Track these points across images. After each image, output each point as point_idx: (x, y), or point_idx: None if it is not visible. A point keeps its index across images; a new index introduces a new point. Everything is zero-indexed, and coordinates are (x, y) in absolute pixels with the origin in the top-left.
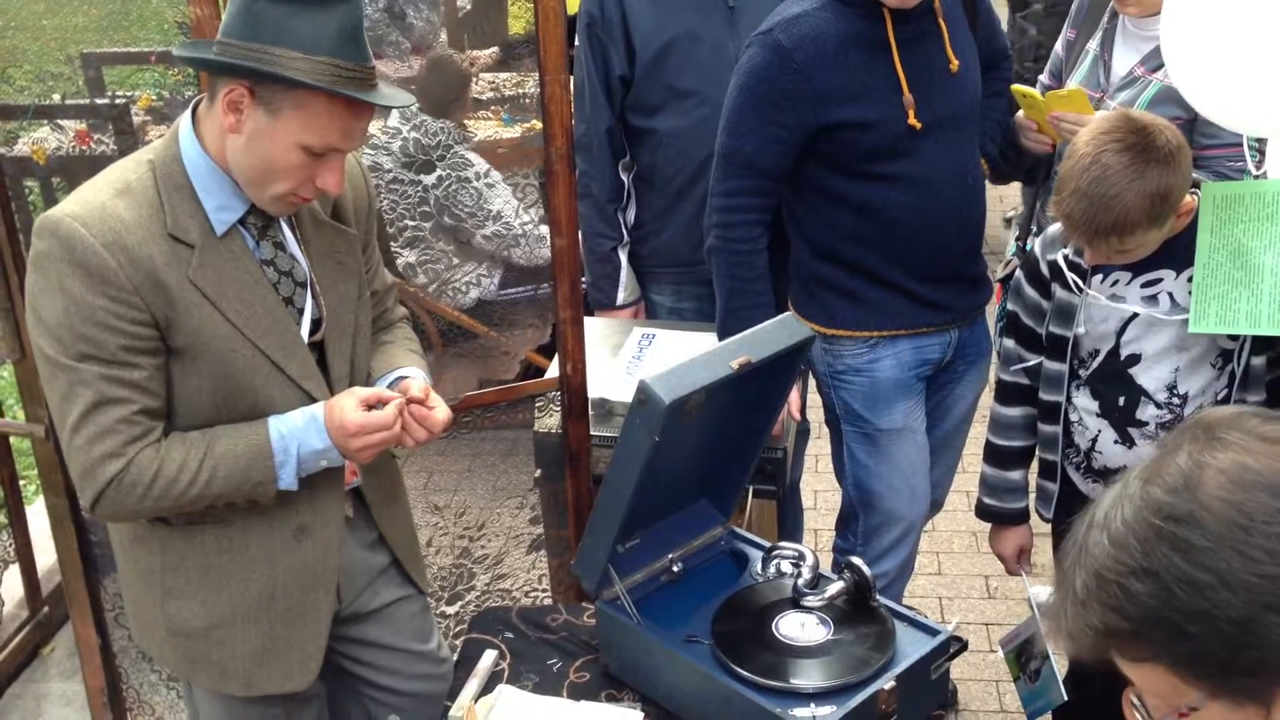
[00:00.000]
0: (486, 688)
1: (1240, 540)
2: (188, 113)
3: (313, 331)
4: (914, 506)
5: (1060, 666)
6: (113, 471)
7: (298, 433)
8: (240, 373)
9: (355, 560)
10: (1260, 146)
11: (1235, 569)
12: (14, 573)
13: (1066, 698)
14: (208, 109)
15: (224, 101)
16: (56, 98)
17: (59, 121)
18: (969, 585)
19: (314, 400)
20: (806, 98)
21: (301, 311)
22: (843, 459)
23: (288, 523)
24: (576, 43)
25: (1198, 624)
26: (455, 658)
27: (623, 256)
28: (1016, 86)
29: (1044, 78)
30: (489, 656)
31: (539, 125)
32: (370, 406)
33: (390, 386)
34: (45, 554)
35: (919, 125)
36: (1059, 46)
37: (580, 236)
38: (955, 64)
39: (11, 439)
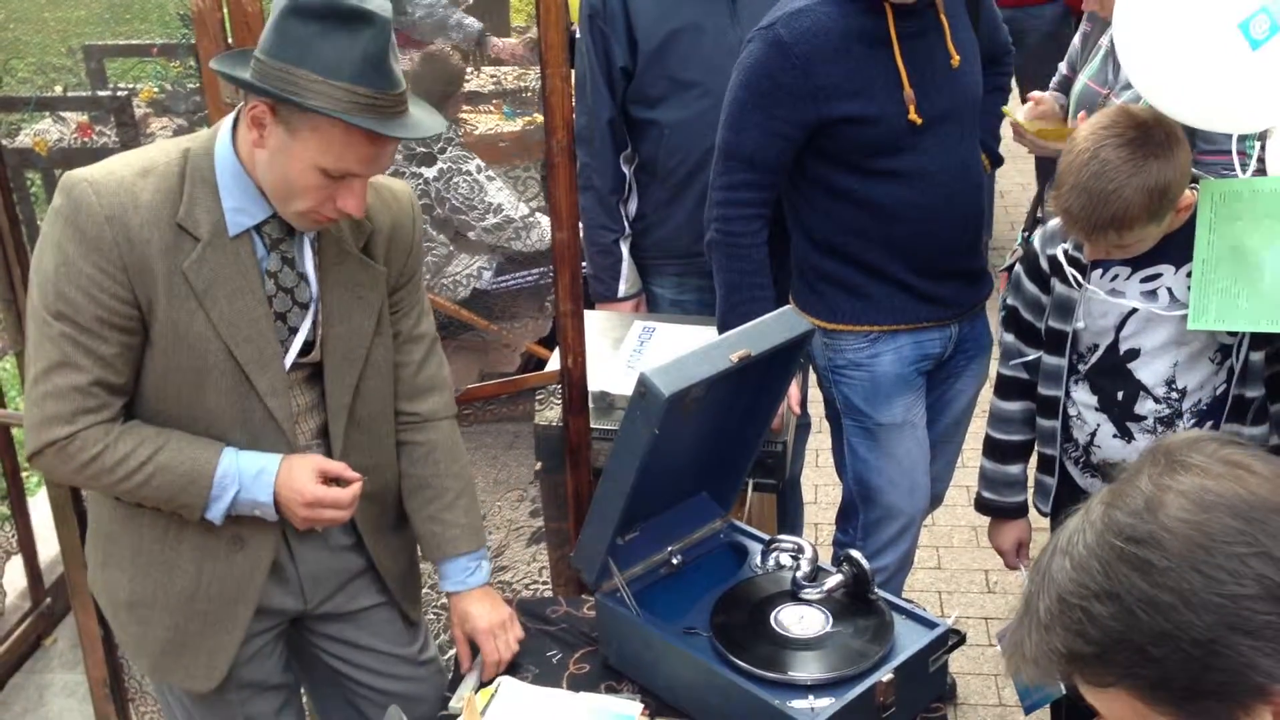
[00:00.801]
0: (487, 679)
1: (1201, 560)
2: (233, 113)
3: (304, 352)
4: (914, 501)
5: None
6: (57, 435)
7: (244, 477)
8: (208, 372)
9: (323, 562)
10: (1264, 146)
11: (1197, 589)
12: (16, 564)
13: (1064, 691)
14: (244, 116)
15: (248, 116)
16: (58, 90)
17: (61, 114)
18: (969, 579)
19: (274, 418)
20: (807, 93)
21: (294, 331)
22: (843, 453)
23: (225, 529)
24: (577, 35)
25: (1161, 646)
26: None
27: (624, 249)
28: (1007, 110)
29: (1063, 67)
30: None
31: (540, 118)
32: (327, 478)
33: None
34: (48, 545)
35: (920, 121)
36: (1076, 39)
37: (581, 228)
38: (956, 59)
39: (14, 430)
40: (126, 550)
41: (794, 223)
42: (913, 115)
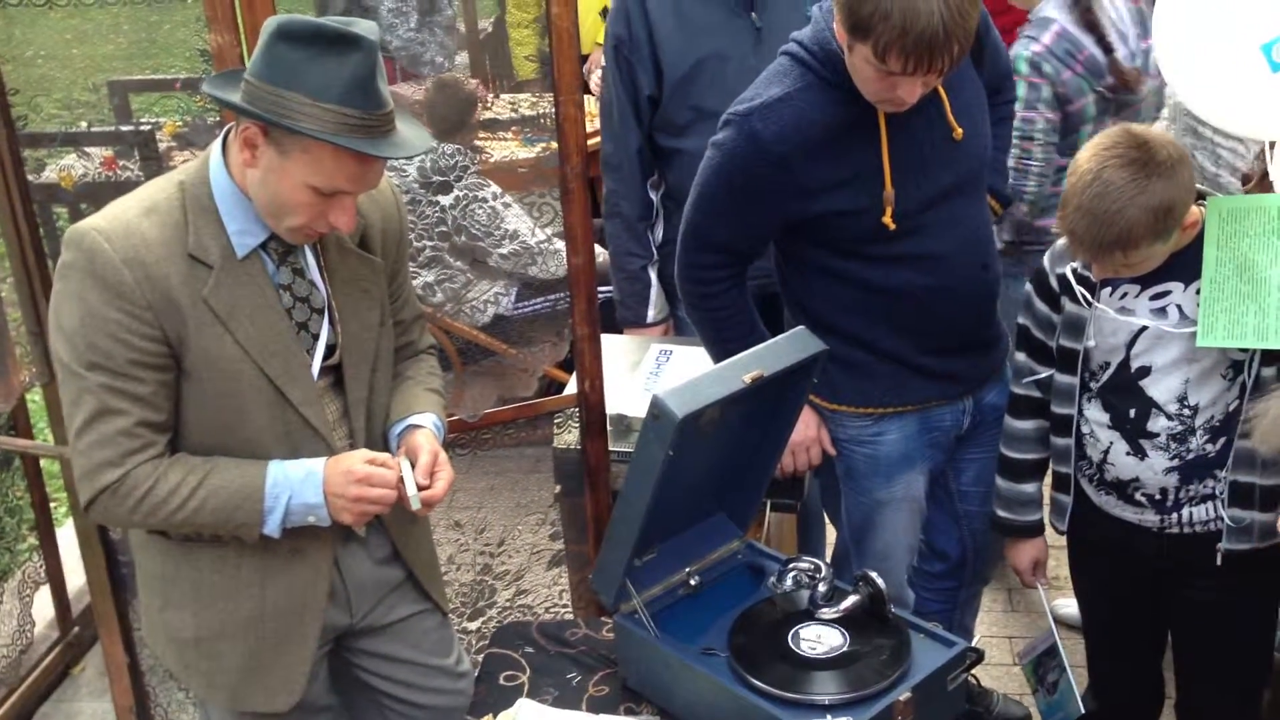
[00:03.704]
0: (507, 702)
1: None
2: (220, 139)
3: (328, 355)
4: (906, 561)
5: (1078, 680)
6: (109, 480)
7: (293, 483)
8: (243, 394)
9: (366, 575)
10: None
11: None
12: (44, 594)
13: (1084, 710)
14: (235, 137)
15: (241, 138)
16: (84, 125)
17: (86, 149)
18: (991, 598)
19: (311, 426)
20: (787, 190)
21: (316, 337)
22: (835, 503)
23: (282, 544)
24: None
25: None
26: (476, 673)
27: (652, 274)
28: None
29: None
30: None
31: (555, 145)
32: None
33: (399, 435)
34: (75, 575)
35: (894, 226)
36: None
37: (609, 254)
38: (959, 132)
39: (42, 461)
40: (187, 587)
41: (788, 297)
42: (887, 219)
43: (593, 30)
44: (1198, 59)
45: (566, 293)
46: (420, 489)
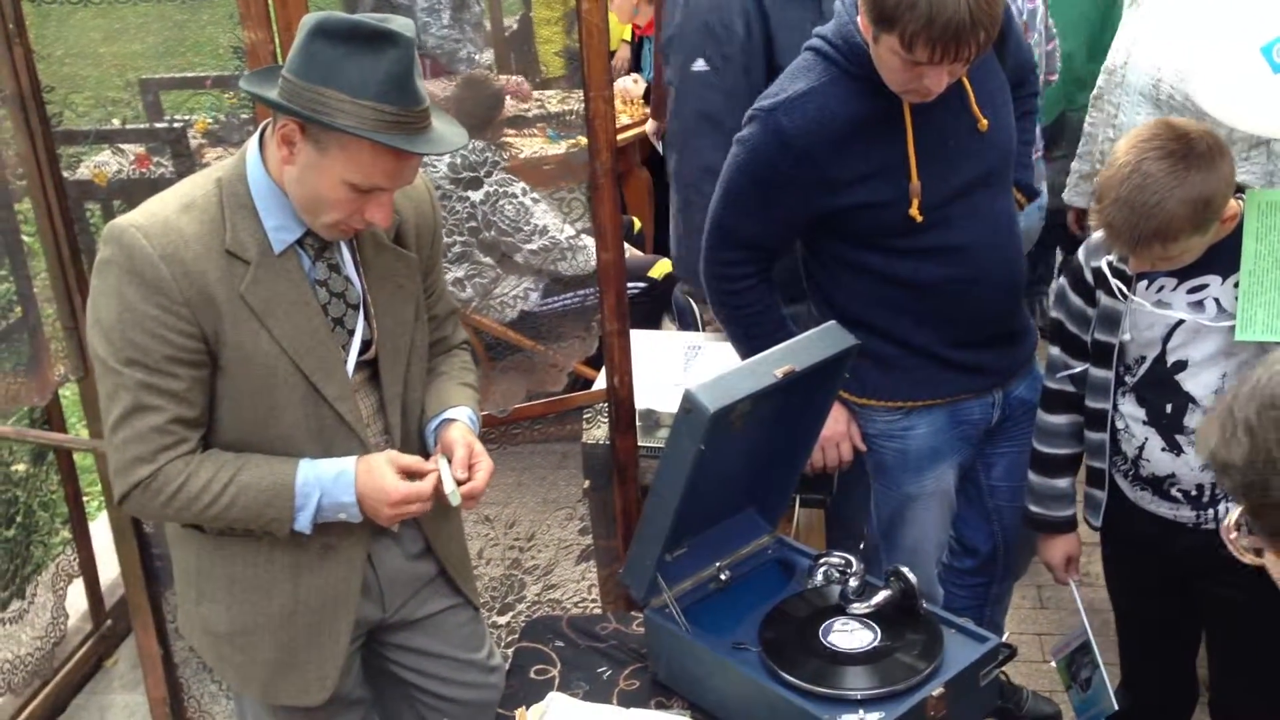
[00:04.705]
0: (537, 696)
1: None
2: (256, 135)
3: (363, 351)
4: (936, 556)
5: (1111, 676)
6: (142, 475)
7: (324, 481)
8: (278, 389)
9: (400, 569)
10: None
11: None
12: (78, 587)
13: (1117, 707)
14: (272, 134)
15: (278, 135)
16: (116, 123)
17: (119, 145)
18: (1021, 595)
19: (345, 422)
20: (812, 184)
21: (352, 333)
22: (869, 500)
23: (314, 540)
24: (682, 65)
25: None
26: (507, 666)
27: None
28: None
29: None
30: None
31: (583, 141)
32: (407, 474)
33: (435, 431)
34: (108, 567)
35: (920, 218)
36: None
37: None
38: (984, 123)
39: (75, 455)
40: (222, 581)
41: (813, 292)
42: (913, 211)
43: (619, 27)
44: (1200, 60)
45: (595, 288)
46: (459, 483)
